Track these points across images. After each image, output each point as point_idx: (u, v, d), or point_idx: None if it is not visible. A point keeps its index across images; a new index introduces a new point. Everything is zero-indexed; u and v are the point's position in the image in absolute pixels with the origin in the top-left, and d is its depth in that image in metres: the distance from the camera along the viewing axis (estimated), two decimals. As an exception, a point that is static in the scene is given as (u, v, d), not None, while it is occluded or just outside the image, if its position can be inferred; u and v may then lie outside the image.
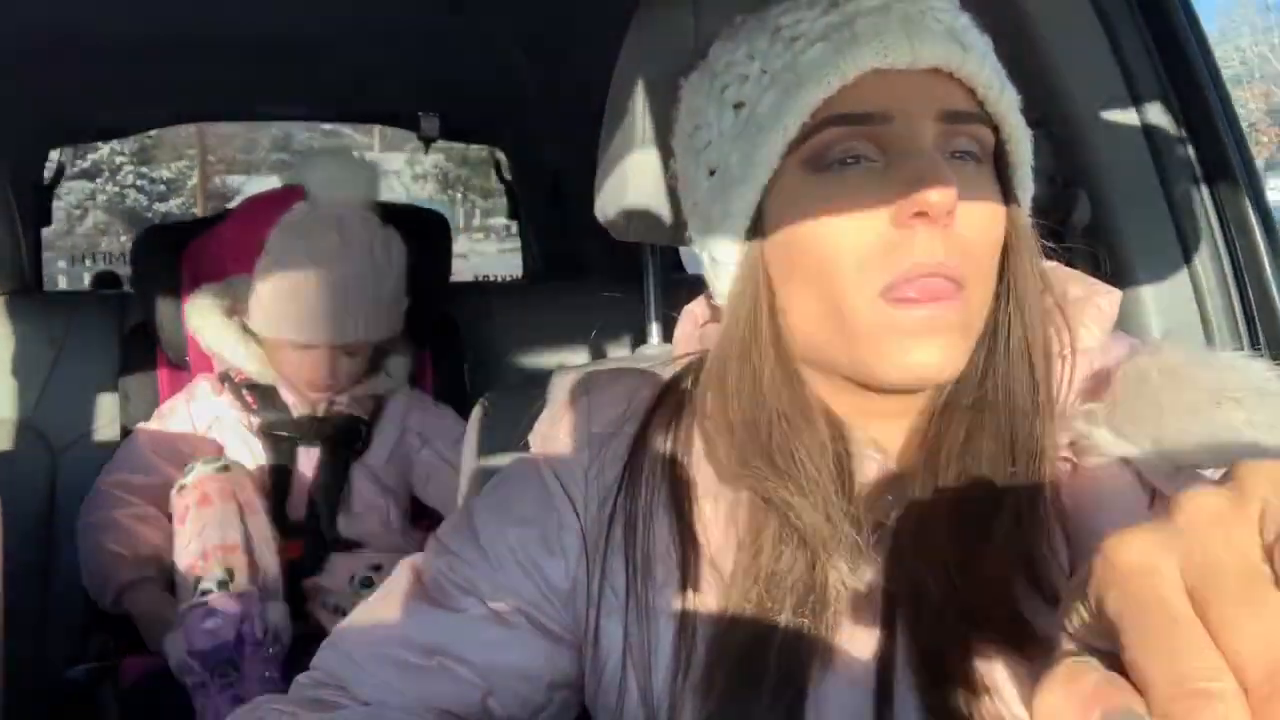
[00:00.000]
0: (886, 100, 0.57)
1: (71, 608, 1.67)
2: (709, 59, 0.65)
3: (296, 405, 1.66)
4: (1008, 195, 0.61)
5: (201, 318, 1.68)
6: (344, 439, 1.67)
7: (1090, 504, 0.58)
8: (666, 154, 0.76)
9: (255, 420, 1.65)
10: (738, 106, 0.61)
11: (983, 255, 0.58)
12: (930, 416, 0.62)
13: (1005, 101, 0.60)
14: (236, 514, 1.48)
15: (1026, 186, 0.64)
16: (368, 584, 1.45)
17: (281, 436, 1.65)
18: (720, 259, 0.64)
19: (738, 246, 0.62)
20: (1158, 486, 0.58)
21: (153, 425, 1.69)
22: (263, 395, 1.66)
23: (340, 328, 1.57)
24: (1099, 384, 0.61)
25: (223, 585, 1.42)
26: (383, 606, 0.68)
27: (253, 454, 1.66)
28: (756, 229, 0.61)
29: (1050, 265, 0.65)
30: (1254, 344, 1.05)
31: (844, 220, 0.57)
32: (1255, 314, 1.05)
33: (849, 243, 0.57)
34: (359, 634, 0.67)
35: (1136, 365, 0.60)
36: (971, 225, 0.57)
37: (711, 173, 0.63)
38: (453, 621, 0.65)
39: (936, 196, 0.54)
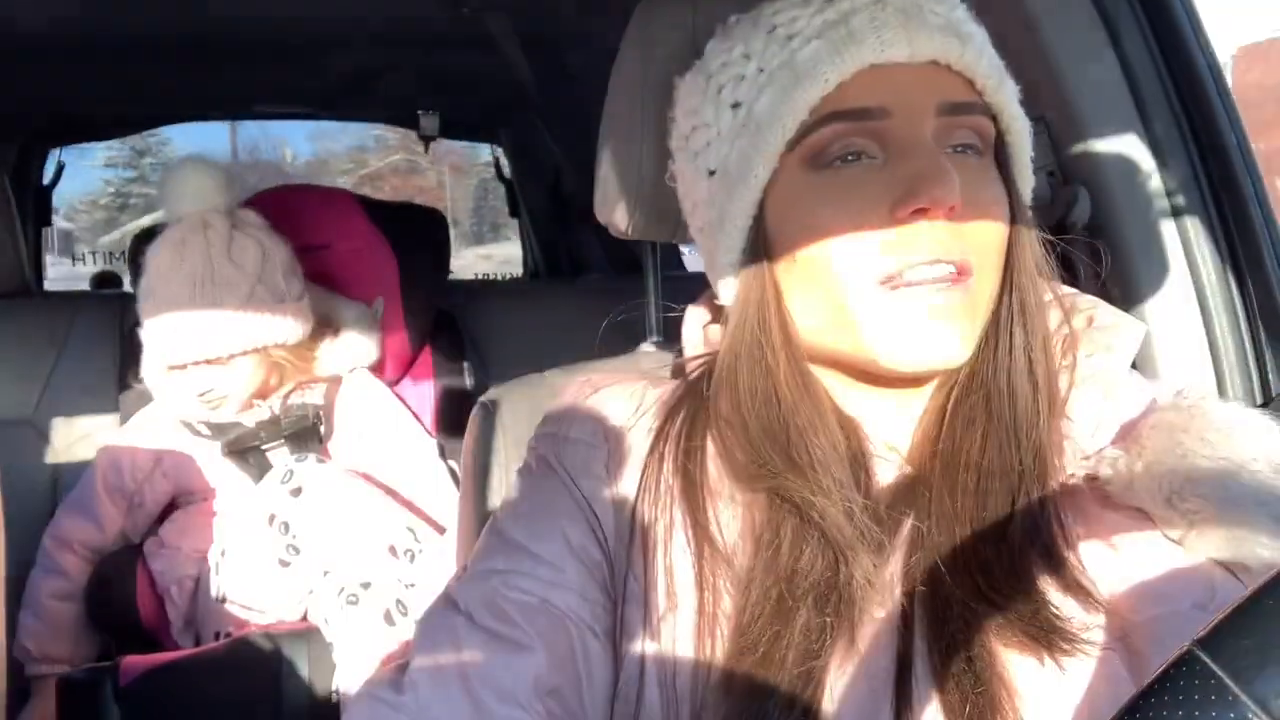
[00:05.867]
0: (885, 95, 0.57)
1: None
2: (704, 59, 0.65)
3: (246, 414, 1.64)
4: (1009, 187, 0.61)
5: (143, 356, 1.64)
6: (304, 431, 1.65)
7: (1114, 545, 0.59)
8: (665, 152, 0.76)
9: (216, 445, 1.63)
10: (735, 106, 0.61)
11: (987, 245, 0.58)
12: (941, 415, 0.62)
13: (1005, 92, 0.61)
14: (369, 484, 1.54)
15: (1026, 177, 0.64)
16: (354, 601, 1.44)
17: (248, 448, 1.63)
18: (723, 260, 0.64)
19: (740, 246, 0.62)
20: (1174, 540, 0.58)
21: (111, 453, 1.66)
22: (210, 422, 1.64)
23: (184, 345, 1.53)
24: (1126, 433, 0.61)
25: (416, 540, 1.49)
26: (433, 658, 0.60)
27: (229, 478, 1.64)
28: (758, 228, 0.61)
29: (1072, 292, 0.66)
30: (1255, 341, 1.05)
31: (844, 216, 0.57)
32: (1256, 311, 1.05)
33: (850, 239, 0.57)
34: (430, 691, 0.59)
35: (1165, 421, 0.60)
36: (975, 217, 0.57)
37: (711, 173, 0.63)
38: (524, 662, 0.59)
39: (940, 192, 0.55)
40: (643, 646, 0.61)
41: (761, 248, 0.61)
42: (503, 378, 0.93)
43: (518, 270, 3.01)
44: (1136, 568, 0.58)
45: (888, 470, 0.62)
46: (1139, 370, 0.68)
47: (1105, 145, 1.02)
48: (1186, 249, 1.04)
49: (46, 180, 2.50)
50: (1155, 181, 1.03)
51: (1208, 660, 0.32)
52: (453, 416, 1.87)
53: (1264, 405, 1.04)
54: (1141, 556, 0.58)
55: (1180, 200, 1.04)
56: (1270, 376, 1.05)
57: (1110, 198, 1.02)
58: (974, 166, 0.59)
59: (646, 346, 1.09)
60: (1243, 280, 1.05)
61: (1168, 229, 1.04)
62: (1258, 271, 1.04)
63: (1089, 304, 0.65)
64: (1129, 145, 1.03)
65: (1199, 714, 0.32)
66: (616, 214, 0.84)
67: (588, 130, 0.89)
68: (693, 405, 0.66)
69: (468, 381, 1.96)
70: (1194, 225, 1.04)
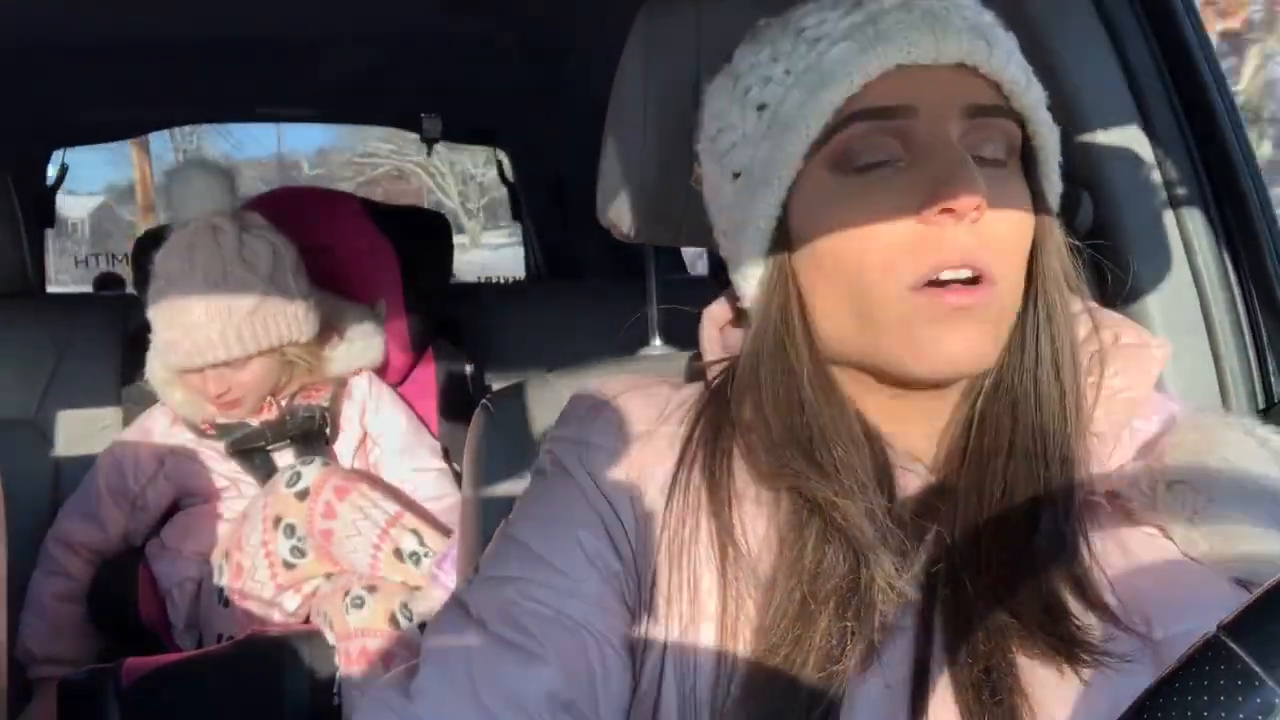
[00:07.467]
0: (910, 95, 0.57)
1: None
2: (733, 63, 0.65)
3: (251, 415, 1.64)
4: (1035, 195, 0.61)
5: (148, 359, 1.64)
6: (309, 433, 1.65)
7: (1136, 562, 0.59)
8: (668, 155, 0.76)
9: (220, 444, 1.63)
10: (761, 108, 0.61)
11: (1011, 252, 0.58)
12: (967, 426, 0.62)
13: (1031, 97, 0.60)
14: (375, 487, 1.54)
15: (1055, 184, 0.63)
16: (359, 604, 1.44)
17: (253, 449, 1.63)
18: (747, 262, 0.63)
19: (764, 249, 0.62)
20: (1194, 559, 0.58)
21: (114, 455, 1.67)
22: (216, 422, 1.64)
23: (199, 349, 1.53)
24: (1147, 451, 0.62)
25: (421, 543, 1.49)
26: (444, 665, 0.59)
27: (231, 479, 1.65)
28: (782, 231, 0.61)
29: (1095, 306, 0.66)
30: (1257, 345, 1.05)
31: (871, 219, 0.57)
32: (1259, 314, 1.05)
33: (877, 241, 0.57)
34: (440, 699, 0.58)
35: (1187, 440, 0.60)
36: (999, 224, 0.57)
37: (736, 176, 0.63)
38: (537, 674, 0.58)
39: (965, 192, 0.54)
40: (663, 654, 0.60)
41: (785, 250, 0.61)
42: (505, 379, 0.94)
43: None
44: (1159, 585, 0.58)
45: (912, 479, 0.62)
46: None
47: (1107, 149, 1.02)
48: (1189, 253, 1.04)
49: (49, 182, 2.51)
50: (1157, 185, 1.03)
51: (1234, 646, 0.32)
52: (455, 419, 1.87)
53: (1266, 409, 1.04)
54: (1164, 574, 0.58)
55: (1182, 204, 1.04)
56: (1272, 380, 1.05)
57: (1112, 201, 1.02)
58: (998, 173, 0.59)
59: (649, 349, 1.09)
60: (1245, 284, 1.05)
61: (1170, 232, 1.04)
62: (1260, 275, 1.04)
63: (1115, 321, 0.65)
64: (1130, 149, 1.03)
65: (1224, 699, 0.32)
66: (619, 216, 0.84)
67: (589, 133, 0.89)
68: (717, 410, 0.66)
69: (470, 384, 1.96)
70: (1196, 229, 1.04)
